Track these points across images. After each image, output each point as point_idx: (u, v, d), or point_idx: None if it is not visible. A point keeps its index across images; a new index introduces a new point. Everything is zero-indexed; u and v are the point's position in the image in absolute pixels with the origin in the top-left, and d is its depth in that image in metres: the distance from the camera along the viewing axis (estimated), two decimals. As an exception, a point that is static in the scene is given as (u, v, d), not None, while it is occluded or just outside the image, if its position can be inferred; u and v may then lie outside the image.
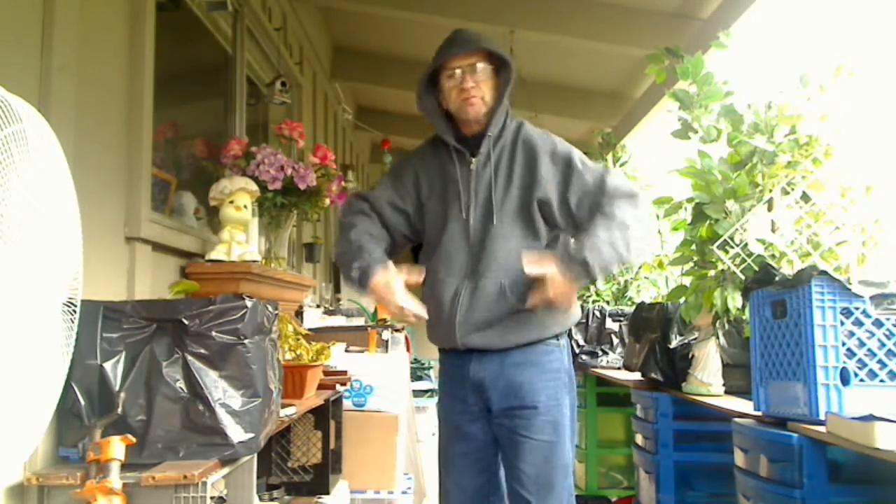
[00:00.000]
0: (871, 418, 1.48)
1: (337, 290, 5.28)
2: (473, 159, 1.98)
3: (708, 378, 2.53)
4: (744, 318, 2.38)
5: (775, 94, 2.37)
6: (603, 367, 3.85)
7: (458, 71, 1.92)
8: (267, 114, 4.18)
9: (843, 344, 1.75)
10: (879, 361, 1.74)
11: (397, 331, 4.02)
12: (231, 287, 2.35)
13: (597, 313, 3.99)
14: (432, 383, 5.19)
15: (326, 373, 2.66)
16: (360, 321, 4.06)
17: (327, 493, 2.53)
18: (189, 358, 1.58)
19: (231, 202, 2.53)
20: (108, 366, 1.57)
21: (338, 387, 2.68)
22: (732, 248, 2.30)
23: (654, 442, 2.73)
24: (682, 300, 2.61)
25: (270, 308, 1.77)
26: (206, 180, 2.86)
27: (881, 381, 1.73)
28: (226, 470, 1.61)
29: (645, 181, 4.55)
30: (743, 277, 2.26)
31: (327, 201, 3.09)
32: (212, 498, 1.51)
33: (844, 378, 1.74)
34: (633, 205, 1.89)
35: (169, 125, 2.75)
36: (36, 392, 1.16)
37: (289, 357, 2.36)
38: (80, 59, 1.82)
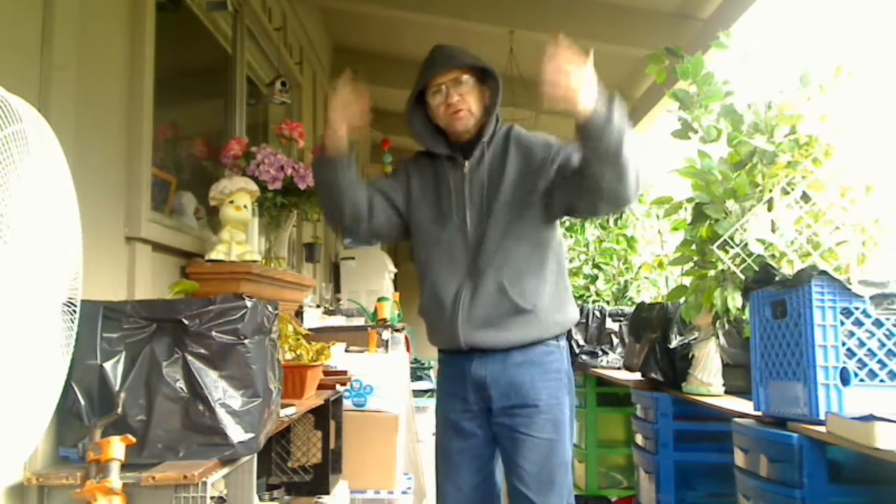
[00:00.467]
0: (871, 418, 1.48)
1: (337, 290, 5.27)
2: (466, 162, 2.04)
3: (708, 378, 2.53)
4: (744, 318, 2.38)
5: (775, 94, 2.37)
6: (603, 367, 3.85)
7: (443, 87, 1.98)
8: (267, 114, 4.19)
9: (843, 344, 1.75)
10: (879, 361, 1.74)
11: (397, 331, 4.02)
12: (231, 287, 2.35)
13: (597, 313, 3.99)
14: (432, 383, 5.17)
15: (326, 373, 2.66)
16: (360, 321, 4.05)
17: (327, 493, 2.53)
18: (189, 358, 1.58)
19: (231, 202, 2.53)
20: (108, 366, 1.57)
21: (338, 387, 2.68)
22: (732, 248, 2.30)
23: (654, 442, 2.73)
24: (682, 300, 2.61)
25: (270, 308, 1.77)
26: (206, 180, 2.86)
27: (881, 381, 1.74)
28: (226, 470, 1.61)
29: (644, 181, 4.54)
30: (743, 277, 2.26)
31: (327, 201, 3.08)
32: (212, 498, 1.51)
33: (844, 378, 1.74)
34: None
35: (169, 125, 2.75)
36: (36, 392, 1.16)
37: (289, 357, 2.36)
38: (80, 59, 1.82)
